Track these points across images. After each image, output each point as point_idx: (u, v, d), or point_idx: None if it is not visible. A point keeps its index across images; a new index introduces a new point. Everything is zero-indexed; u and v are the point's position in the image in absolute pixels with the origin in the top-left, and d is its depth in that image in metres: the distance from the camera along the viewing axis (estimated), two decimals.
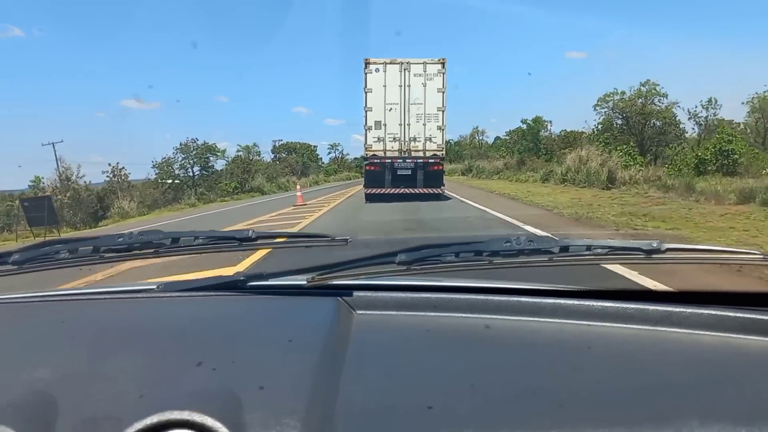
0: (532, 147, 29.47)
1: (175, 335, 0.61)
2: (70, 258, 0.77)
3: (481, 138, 54.59)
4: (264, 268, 0.81)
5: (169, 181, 25.10)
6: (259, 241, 0.81)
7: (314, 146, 57.34)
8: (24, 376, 0.49)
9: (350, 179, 44.08)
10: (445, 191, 11.41)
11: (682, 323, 0.62)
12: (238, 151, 32.65)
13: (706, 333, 0.61)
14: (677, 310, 0.63)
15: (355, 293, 0.72)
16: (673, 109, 26.99)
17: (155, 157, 28.90)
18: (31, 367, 0.51)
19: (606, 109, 27.89)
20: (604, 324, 0.63)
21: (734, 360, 0.56)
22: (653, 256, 0.68)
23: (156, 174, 26.58)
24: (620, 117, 27.59)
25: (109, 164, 22.53)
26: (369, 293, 0.72)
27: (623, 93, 27.51)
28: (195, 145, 28.73)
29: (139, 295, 0.80)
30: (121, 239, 0.78)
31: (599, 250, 0.69)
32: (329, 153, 64.88)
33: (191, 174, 28.12)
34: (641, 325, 0.62)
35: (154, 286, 0.82)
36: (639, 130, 26.93)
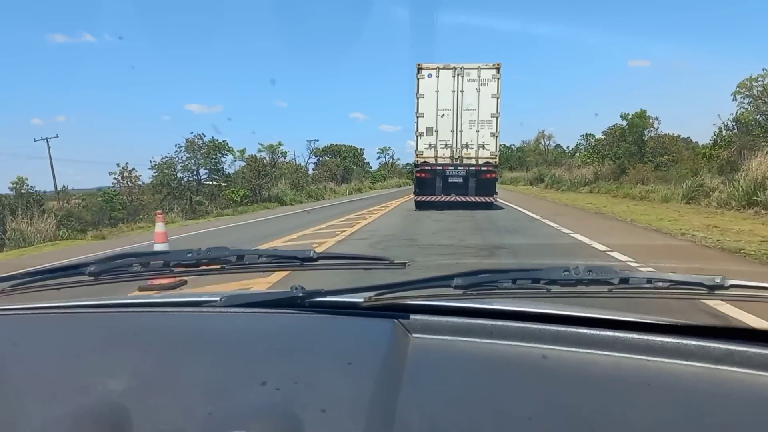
0: (635, 151, 30.88)
1: (240, 351, 0.90)
2: (142, 271, 1.16)
3: (547, 143, 63.99)
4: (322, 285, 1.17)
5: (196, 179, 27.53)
6: (319, 262, 1.16)
7: (360, 149, 67.53)
8: (99, 386, 0.72)
9: (399, 186, 52.66)
10: (499, 200, 15.34)
11: (744, 363, 0.80)
12: (259, 150, 33.44)
13: None
14: (740, 348, 0.82)
15: (412, 316, 1.01)
16: None
17: (153, 156, 31.70)
18: (106, 377, 0.75)
19: (749, 99, 27.09)
20: (663, 360, 0.84)
21: None
22: (716, 292, 0.90)
23: (153, 176, 29.41)
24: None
25: (118, 164, 25.45)
26: (425, 317, 1.01)
27: None
28: (202, 142, 31.09)
29: (204, 308, 1.18)
30: (189, 254, 1.16)
31: (660, 284, 0.93)
32: (379, 158, 78.13)
33: (197, 177, 31.05)
34: (702, 363, 0.82)
35: (218, 298, 1.18)
36: None
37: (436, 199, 15.32)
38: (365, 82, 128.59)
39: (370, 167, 71.53)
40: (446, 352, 0.93)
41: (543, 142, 65.57)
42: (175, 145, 30.73)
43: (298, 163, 41.35)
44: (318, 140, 58.72)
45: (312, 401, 0.69)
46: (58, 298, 1.26)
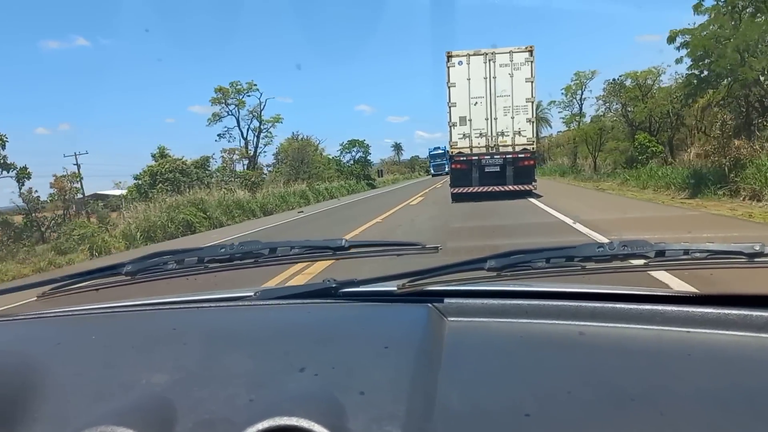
0: None
1: (277, 341, 0.91)
2: (177, 269, 1.20)
3: (581, 97, 32.94)
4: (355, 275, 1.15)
5: None
6: (351, 250, 1.22)
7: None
8: (143, 381, 0.74)
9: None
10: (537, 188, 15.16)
11: None
12: None
13: None
14: None
15: (446, 300, 1.02)
16: None
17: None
18: (149, 372, 0.77)
19: None
20: (704, 330, 0.85)
21: None
22: (756, 260, 0.92)
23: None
24: None
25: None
26: (460, 300, 1.01)
27: None
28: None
29: (240, 303, 1.19)
30: (223, 250, 1.20)
31: (697, 255, 0.95)
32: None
33: None
34: (743, 332, 0.83)
35: (252, 293, 1.21)
36: None
37: (474, 191, 15.17)
38: (371, 73, 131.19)
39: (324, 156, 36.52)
40: (483, 334, 0.94)
41: (578, 92, 32.32)
42: None
43: None
44: None
45: (350, 385, 0.70)
46: (97, 299, 1.30)
